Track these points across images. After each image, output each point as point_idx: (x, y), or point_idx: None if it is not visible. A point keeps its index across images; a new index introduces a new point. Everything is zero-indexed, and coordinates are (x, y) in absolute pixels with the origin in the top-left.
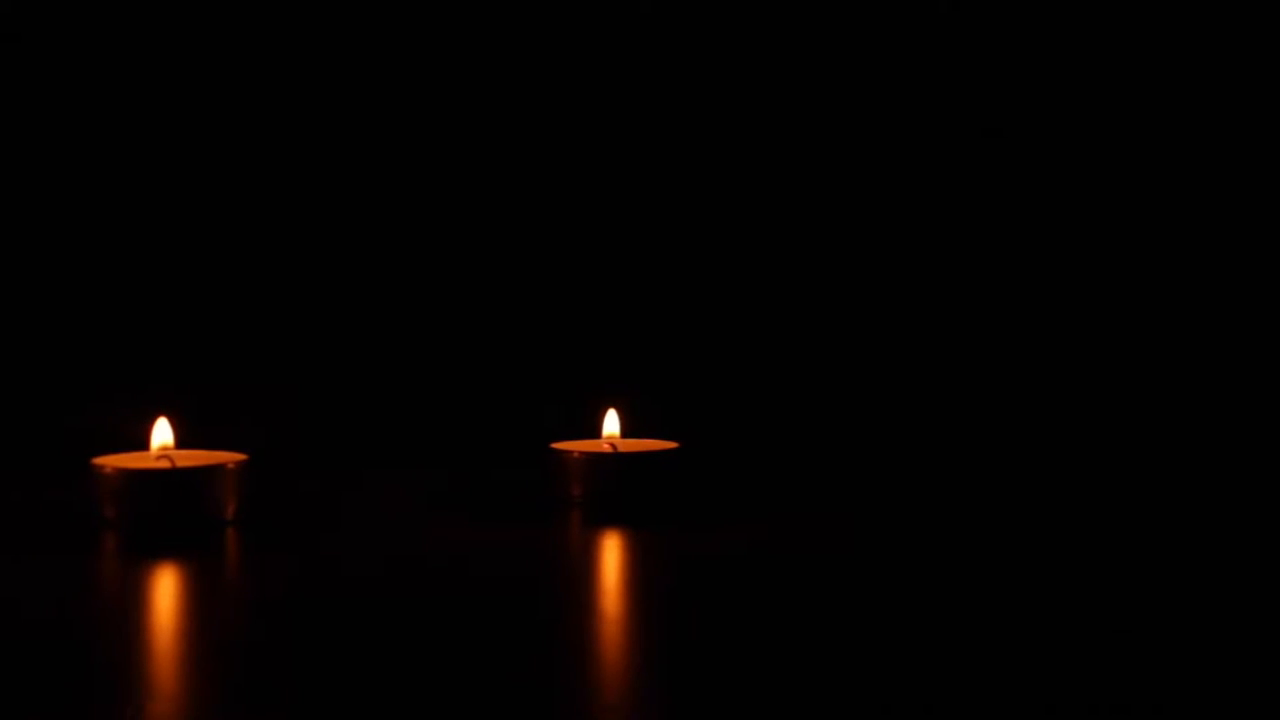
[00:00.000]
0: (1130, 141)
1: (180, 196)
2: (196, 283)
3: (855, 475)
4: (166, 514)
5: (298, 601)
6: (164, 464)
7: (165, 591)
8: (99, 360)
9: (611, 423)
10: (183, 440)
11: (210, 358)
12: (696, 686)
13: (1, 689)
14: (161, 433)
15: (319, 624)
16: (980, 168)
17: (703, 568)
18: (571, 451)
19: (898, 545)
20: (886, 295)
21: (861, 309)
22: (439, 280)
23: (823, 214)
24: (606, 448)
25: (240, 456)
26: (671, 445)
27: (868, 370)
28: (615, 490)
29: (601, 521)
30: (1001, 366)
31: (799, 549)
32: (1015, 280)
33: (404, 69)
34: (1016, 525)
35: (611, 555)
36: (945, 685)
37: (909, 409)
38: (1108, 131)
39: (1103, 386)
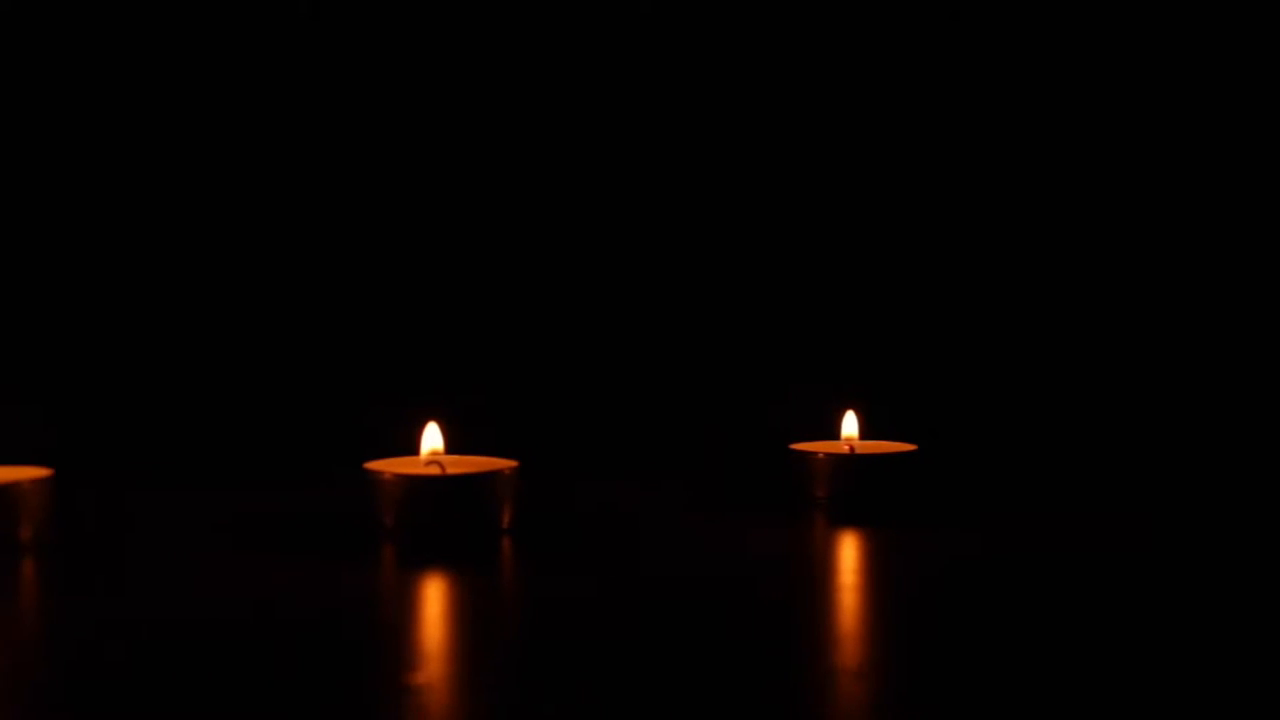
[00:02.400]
0: None
1: (459, 203)
2: (462, 289)
3: (1093, 477)
4: (444, 521)
5: (572, 610)
6: (434, 470)
7: (439, 600)
8: (372, 364)
9: (850, 424)
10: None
11: (478, 364)
12: (936, 684)
13: (278, 698)
14: (432, 437)
15: (593, 632)
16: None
17: (943, 568)
18: (816, 453)
19: (1130, 547)
20: (1123, 296)
21: (1100, 311)
22: (683, 287)
23: (1061, 214)
24: (845, 449)
25: (512, 463)
26: (909, 447)
27: (1102, 372)
28: (856, 491)
29: (844, 521)
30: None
31: (1033, 550)
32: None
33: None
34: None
35: (852, 554)
36: (1185, 686)
37: (1139, 410)
38: None
39: None
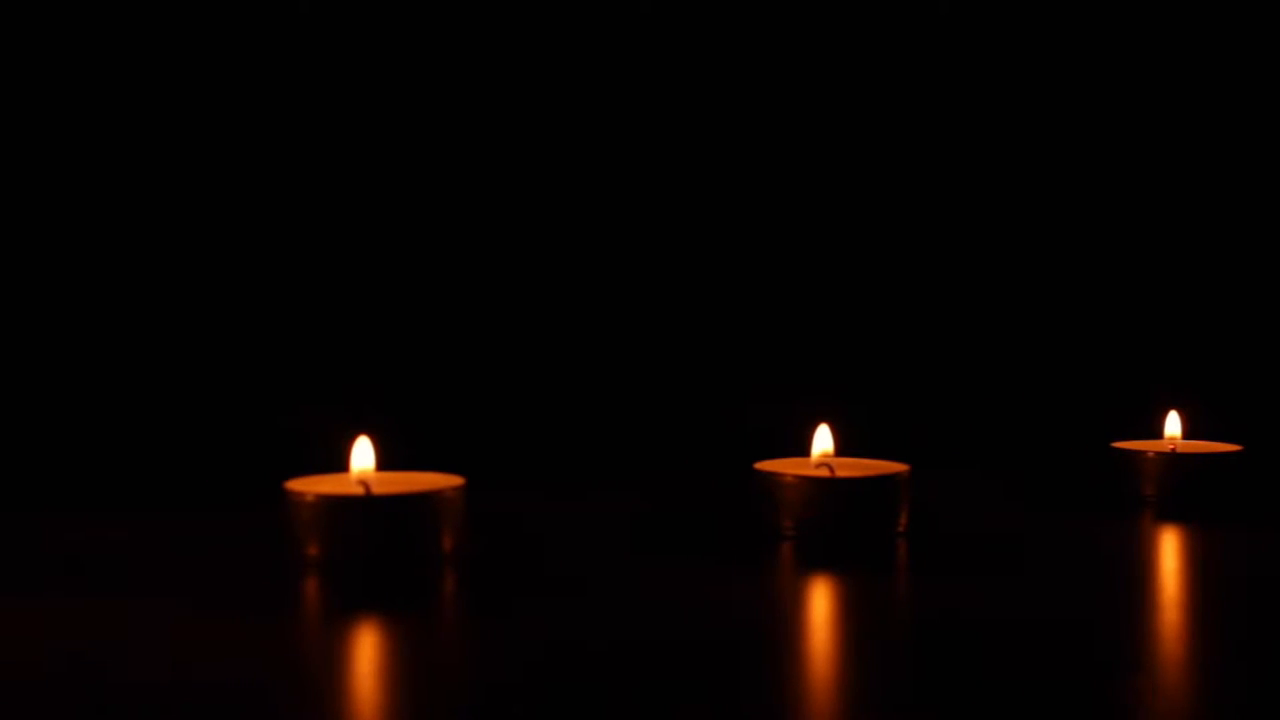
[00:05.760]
0: None
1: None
2: (848, 295)
3: None
4: (838, 524)
5: (958, 619)
6: (823, 472)
7: (830, 603)
8: (757, 365)
9: (1173, 424)
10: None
11: (868, 366)
12: (1253, 684)
13: (660, 699)
14: (823, 440)
15: (980, 637)
16: None
17: (1267, 569)
18: (1146, 452)
19: None
20: None
21: None
22: (1004, 289)
23: None
24: (1169, 449)
25: (903, 467)
26: (1234, 448)
27: None
28: (1185, 490)
29: (1168, 519)
30: None
31: None
32: None
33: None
34: None
35: (1188, 552)
36: None
37: None
38: None
39: None
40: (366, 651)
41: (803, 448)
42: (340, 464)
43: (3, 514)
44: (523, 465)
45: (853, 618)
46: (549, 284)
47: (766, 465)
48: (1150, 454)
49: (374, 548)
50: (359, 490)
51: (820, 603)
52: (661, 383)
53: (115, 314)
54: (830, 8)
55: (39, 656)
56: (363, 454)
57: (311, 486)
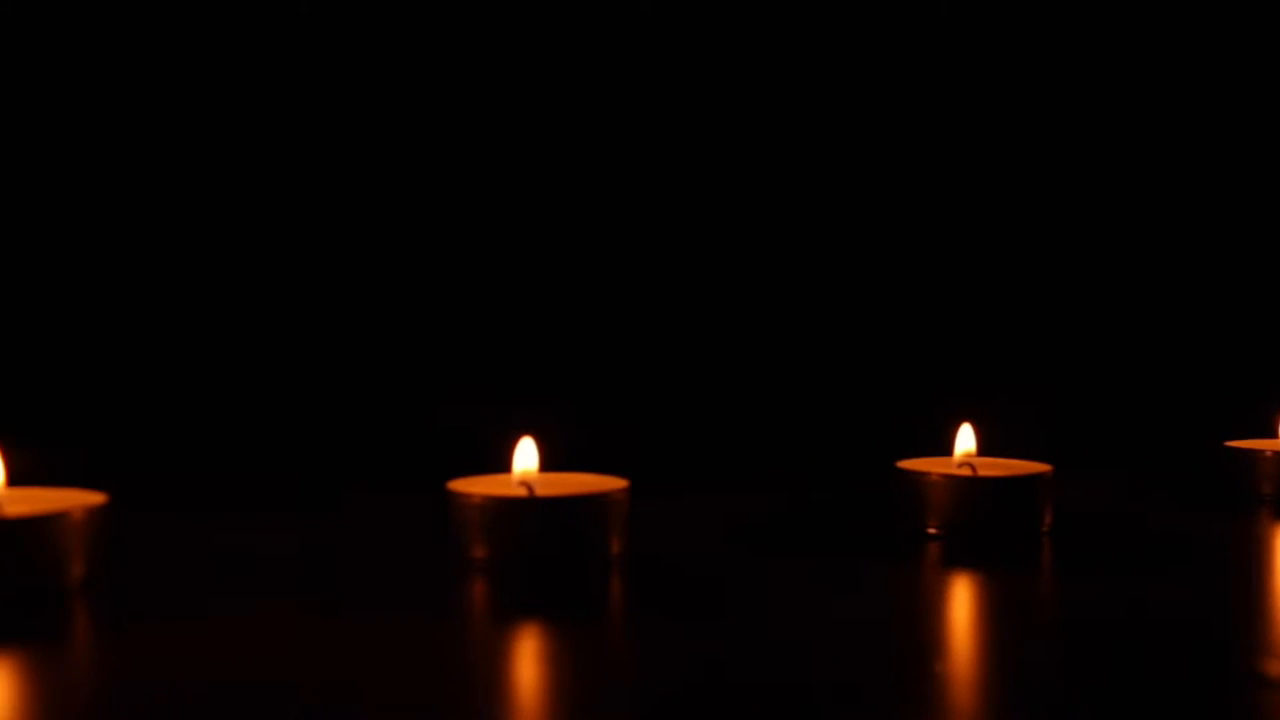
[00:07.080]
0: None
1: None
2: (997, 295)
3: None
4: (981, 522)
5: (1104, 619)
6: (965, 471)
7: (971, 603)
8: (903, 364)
9: None
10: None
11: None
12: None
13: (814, 700)
14: (965, 439)
15: (1112, 641)
16: None
17: None
18: (1264, 451)
19: None
20: None
21: None
22: (1123, 289)
23: None
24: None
25: (1046, 467)
26: None
27: None
28: None
29: None
30: None
31: None
32: None
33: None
34: None
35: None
36: None
37: None
38: None
39: None
40: (532, 655)
41: (945, 447)
42: (496, 465)
43: (167, 516)
44: (664, 466)
45: (999, 618)
46: (691, 284)
47: (909, 464)
48: (1268, 453)
49: (542, 550)
50: (522, 492)
51: (965, 602)
52: (803, 382)
53: (280, 316)
54: None
55: (203, 659)
56: (526, 455)
57: (474, 487)
